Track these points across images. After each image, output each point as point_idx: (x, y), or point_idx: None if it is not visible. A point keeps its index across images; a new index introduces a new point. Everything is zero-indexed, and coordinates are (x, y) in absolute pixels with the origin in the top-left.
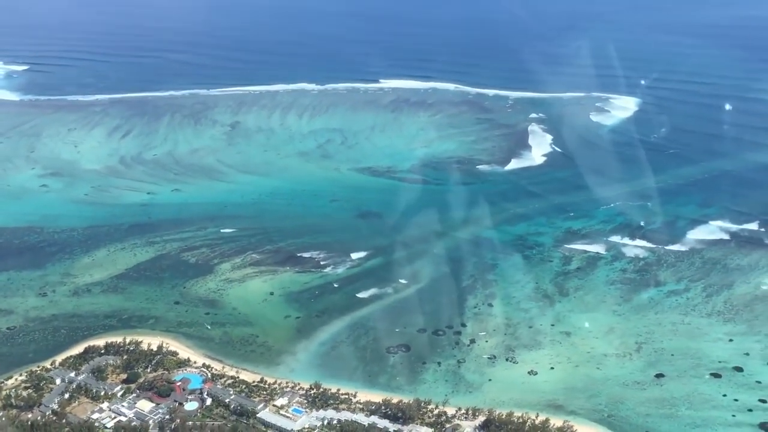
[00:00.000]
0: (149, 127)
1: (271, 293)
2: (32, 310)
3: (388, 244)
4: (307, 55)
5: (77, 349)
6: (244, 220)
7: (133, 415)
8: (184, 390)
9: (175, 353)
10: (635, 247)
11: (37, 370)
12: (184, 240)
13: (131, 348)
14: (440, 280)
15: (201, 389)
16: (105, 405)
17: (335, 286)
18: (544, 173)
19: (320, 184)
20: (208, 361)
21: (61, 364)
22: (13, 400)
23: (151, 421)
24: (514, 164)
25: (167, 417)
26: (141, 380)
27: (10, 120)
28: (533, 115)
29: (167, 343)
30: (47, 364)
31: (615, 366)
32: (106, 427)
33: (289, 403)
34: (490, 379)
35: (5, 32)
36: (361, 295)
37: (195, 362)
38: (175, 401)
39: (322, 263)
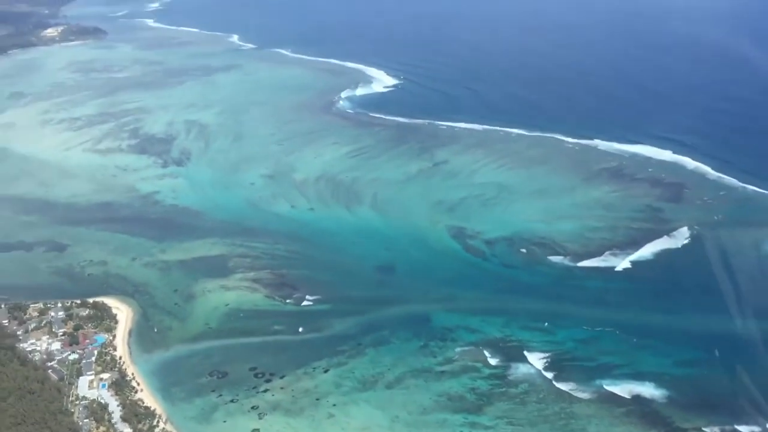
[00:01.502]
0: (377, 150)
1: (227, 304)
2: (108, 266)
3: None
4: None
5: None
6: (303, 244)
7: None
8: (86, 341)
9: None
10: None
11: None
12: (244, 246)
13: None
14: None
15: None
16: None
17: (282, 318)
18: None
19: (417, 234)
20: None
21: (63, 305)
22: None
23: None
24: (625, 264)
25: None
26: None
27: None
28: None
29: (120, 309)
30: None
31: None
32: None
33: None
34: None
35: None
36: (296, 331)
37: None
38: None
39: (297, 296)
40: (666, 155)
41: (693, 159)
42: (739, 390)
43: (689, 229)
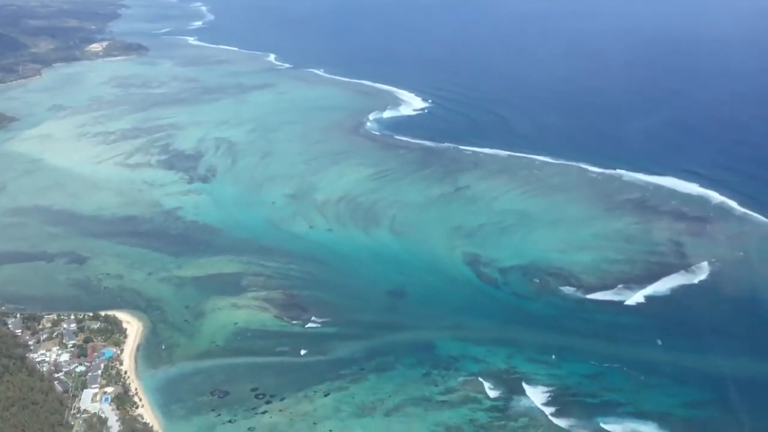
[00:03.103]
0: (400, 173)
1: (236, 323)
2: (124, 279)
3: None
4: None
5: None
6: (317, 265)
7: (53, 361)
8: (94, 353)
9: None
10: None
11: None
12: (259, 265)
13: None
14: None
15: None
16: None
17: (289, 340)
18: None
19: (428, 256)
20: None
21: (75, 317)
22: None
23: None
24: (638, 298)
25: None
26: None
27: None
28: None
29: (131, 324)
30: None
31: None
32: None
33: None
34: None
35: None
36: (300, 354)
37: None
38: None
39: (306, 317)
40: (692, 188)
41: (719, 194)
42: None
43: (709, 264)
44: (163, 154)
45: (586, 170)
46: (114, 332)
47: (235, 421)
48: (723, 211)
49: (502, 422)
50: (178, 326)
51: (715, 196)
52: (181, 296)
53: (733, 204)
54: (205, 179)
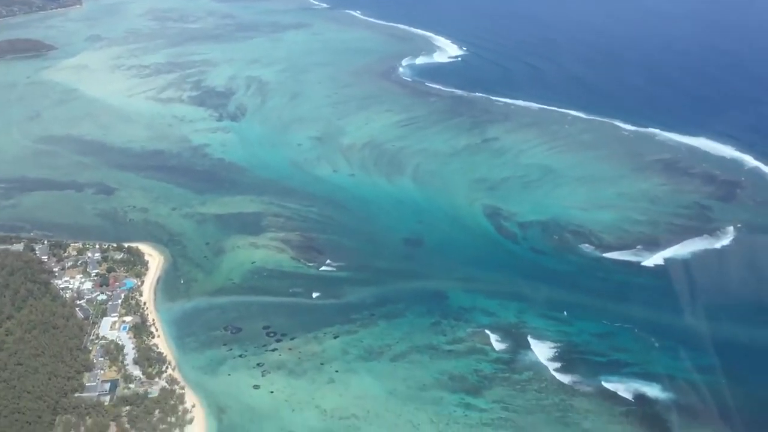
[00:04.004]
0: (428, 122)
1: (253, 262)
2: (149, 213)
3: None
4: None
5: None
6: (338, 209)
7: (76, 288)
8: (116, 283)
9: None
10: None
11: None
12: (280, 206)
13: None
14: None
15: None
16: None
17: (303, 281)
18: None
19: (438, 203)
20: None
21: (100, 247)
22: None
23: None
24: (657, 260)
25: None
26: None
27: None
28: None
29: (153, 256)
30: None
31: None
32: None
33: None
34: None
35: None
36: (313, 296)
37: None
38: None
39: (322, 260)
40: (726, 151)
41: (754, 158)
42: (747, 404)
43: (734, 230)
44: (195, 90)
45: (619, 128)
46: (136, 264)
47: (245, 356)
48: (756, 177)
49: (506, 375)
50: (198, 262)
51: (750, 161)
52: (202, 232)
53: (767, 170)
54: (234, 117)
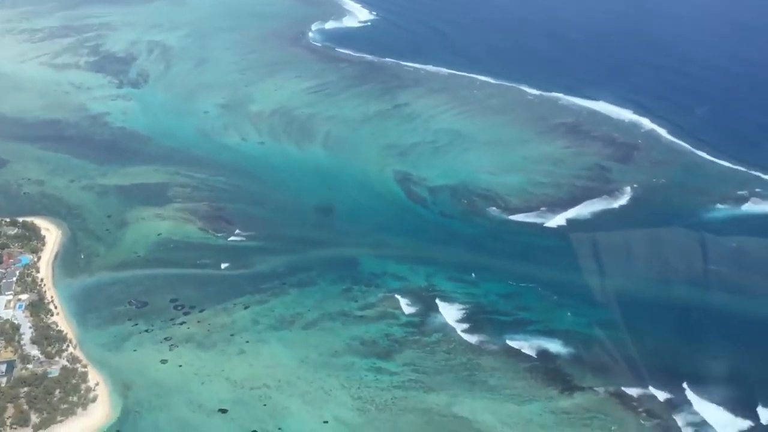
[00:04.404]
0: (338, 88)
1: (159, 234)
2: (45, 186)
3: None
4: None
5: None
6: (247, 177)
7: None
8: (10, 260)
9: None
10: None
11: None
12: (187, 176)
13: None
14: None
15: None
16: None
17: (212, 252)
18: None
19: (358, 170)
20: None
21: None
22: None
23: None
24: (560, 221)
25: None
26: None
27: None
28: None
29: (50, 231)
30: None
31: None
32: None
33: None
34: None
35: None
36: (222, 266)
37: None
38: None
39: (231, 230)
40: (624, 114)
41: (650, 121)
42: (643, 355)
43: (631, 190)
44: (93, 55)
45: (525, 92)
46: (32, 239)
47: (152, 330)
48: (652, 139)
49: (416, 337)
50: (99, 235)
51: (647, 123)
52: (103, 205)
53: (662, 132)
54: (135, 84)
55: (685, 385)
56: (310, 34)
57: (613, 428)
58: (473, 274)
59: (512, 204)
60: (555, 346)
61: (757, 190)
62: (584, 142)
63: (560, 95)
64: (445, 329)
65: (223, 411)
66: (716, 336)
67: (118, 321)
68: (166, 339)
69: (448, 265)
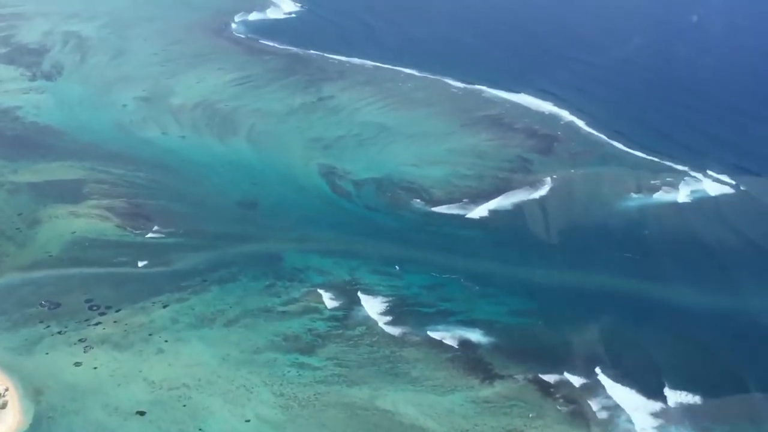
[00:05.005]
0: (263, 80)
1: (74, 232)
2: None
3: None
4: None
5: None
6: (167, 173)
7: None
8: None
9: None
10: None
11: None
12: (104, 172)
13: None
14: None
15: None
16: None
17: (130, 250)
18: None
19: (282, 168)
20: None
21: None
22: None
23: None
24: (482, 212)
25: None
26: None
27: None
28: None
29: None
30: None
31: None
32: None
33: None
34: None
35: None
36: (140, 265)
37: None
38: None
39: (149, 227)
40: (545, 107)
41: (570, 113)
42: (560, 342)
43: (551, 181)
44: (3, 46)
45: (449, 85)
46: None
47: (65, 332)
48: (570, 130)
49: (340, 331)
50: (9, 235)
51: (566, 115)
52: (14, 203)
53: (580, 123)
54: (49, 77)
55: (598, 369)
56: (234, 26)
57: (531, 415)
58: (397, 267)
59: (436, 196)
60: (476, 336)
61: (668, 179)
62: (507, 134)
63: (484, 88)
64: (368, 322)
65: (141, 413)
66: (629, 322)
67: (29, 323)
68: (80, 341)
69: (373, 259)
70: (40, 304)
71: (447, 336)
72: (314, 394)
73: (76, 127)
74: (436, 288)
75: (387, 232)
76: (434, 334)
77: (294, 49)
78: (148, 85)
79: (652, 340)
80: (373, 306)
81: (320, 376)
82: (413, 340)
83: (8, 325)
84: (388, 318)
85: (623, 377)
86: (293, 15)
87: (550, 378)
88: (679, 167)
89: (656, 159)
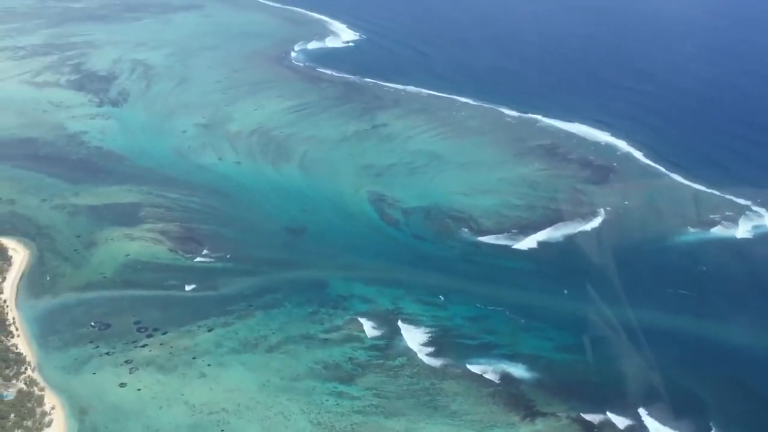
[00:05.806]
0: (319, 108)
1: (127, 255)
2: (16, 205)
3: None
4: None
5: None
6: (220, 198)
7: None
8: None
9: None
10: None
11: None
12: (160, 196)
13: None
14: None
15: None
16: None
17: (180, 274)
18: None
19: (332, 193)
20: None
21: None
22: None
23: None
24: (531, 243)
25: None
26: None
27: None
28: None
29: (17, 251)
30: None
31: None
32: None
33: None
34: None
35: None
36: (188, 288)
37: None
38: None
39: (200, 251)
40: (601, 137)
41: (627, 144)
42: (606, 380)
43: (605, 213)
44: (74, 74)
45: (504, 114)
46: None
47: (113, 353)
48: (628, 161)
49: (380, 361)
50: (67, 256)
51: (623, 146)
52: (73, 225)
53: (638, 155)
54: (115, 103)
55: (642, 410)
56: (293, 54)
57: None
58: (441, 297)
59: (484, 226)
60: (519, 371)
61: (728, 213)
62: (560, 165)
63: (539, 117)
64: (409, 353)
65: None
66: (679, 361)
67: (79, 343)
68: (126, 362)
69: (417, 288)
70: (91, 325)
71: (489, 370)
72: (351, 425)
73: (137, 152)
74: (480, 320)
75: (433, 262)
76: (476, 368)
77: (351, 77)
78: (208, 112)
79: (702, 381)
80: (414, 336)
81: (358, 406)
82: (454, 372)
83: (60, 344)
84: (430, 349)
85: (669, 419)
86: (351, 44)
87: (594, 418)
88: (740, 201)
89: (716, 192)
